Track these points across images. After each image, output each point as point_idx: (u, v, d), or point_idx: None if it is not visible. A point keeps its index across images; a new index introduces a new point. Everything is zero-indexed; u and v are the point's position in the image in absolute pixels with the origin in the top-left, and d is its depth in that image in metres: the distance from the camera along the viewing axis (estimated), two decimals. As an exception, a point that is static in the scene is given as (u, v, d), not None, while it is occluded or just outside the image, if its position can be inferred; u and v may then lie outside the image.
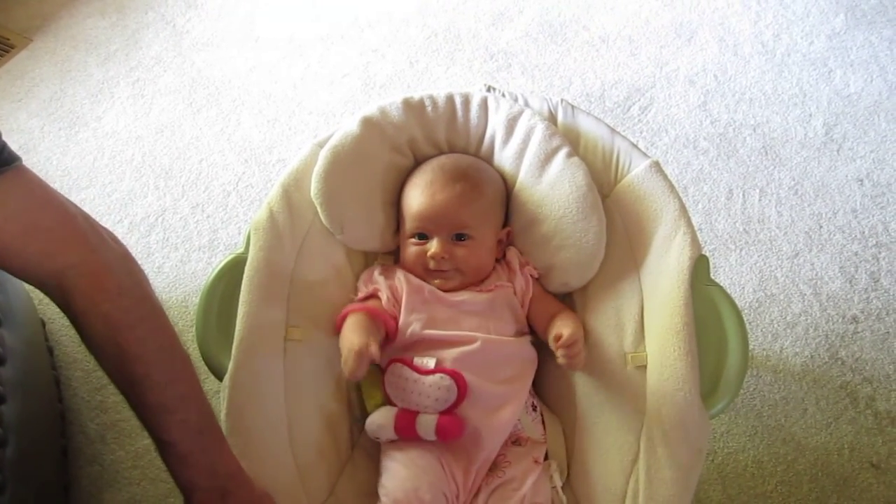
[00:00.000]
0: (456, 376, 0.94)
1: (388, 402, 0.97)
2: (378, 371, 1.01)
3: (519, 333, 1.04)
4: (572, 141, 1.07)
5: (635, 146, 1.06)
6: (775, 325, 1.44)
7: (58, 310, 0.77)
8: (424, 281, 1.04)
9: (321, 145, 1.07)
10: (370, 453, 1.00)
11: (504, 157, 1.09)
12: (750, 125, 1.76)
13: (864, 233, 1.56)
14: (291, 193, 1.04)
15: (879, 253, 1.53)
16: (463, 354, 0.96)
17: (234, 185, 1.70)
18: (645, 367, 0.94)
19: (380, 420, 0.95)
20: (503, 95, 1.12)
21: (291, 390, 0.95)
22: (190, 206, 1.66)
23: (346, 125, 1.08)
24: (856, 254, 1.53)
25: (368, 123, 1.07)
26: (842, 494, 1.24)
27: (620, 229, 1.04)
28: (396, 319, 0.99)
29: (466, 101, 1.10)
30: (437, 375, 0.94)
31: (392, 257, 1.13)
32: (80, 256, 0.76)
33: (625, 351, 0.97)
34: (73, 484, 1.27)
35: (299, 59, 1.96)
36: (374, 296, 1.03)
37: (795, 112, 1.79)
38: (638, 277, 1.00)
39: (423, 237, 1.04)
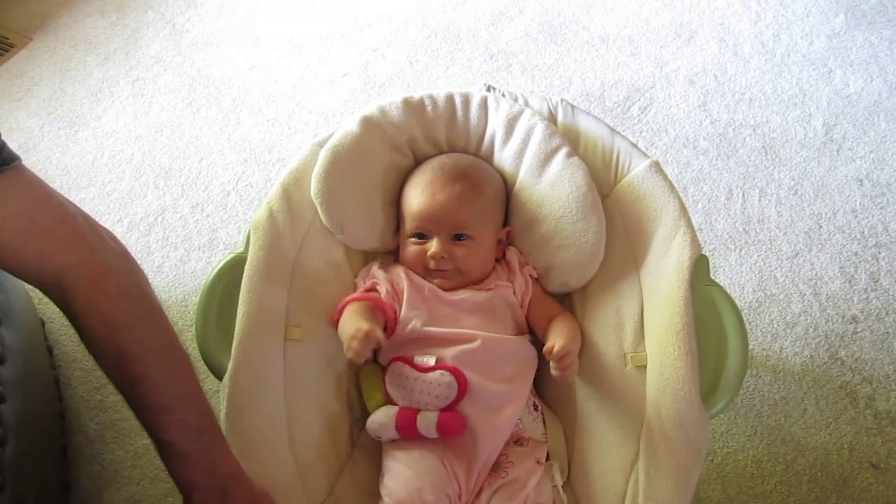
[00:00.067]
0: (456, 373, 0.94)
1: (388, 401, 0.97)
2: (378, 371, 1.01)
3: (518, 333, 1.04)
4: (572, 141, 1.07)
5: (635, 146, 1.06)
6: (775, 325, 1.44)
7: (57, 309, 0.77)
8: (424, 280, 1.04)
9: (321, 145, 1.07)
10: (370, 453, 1.00)
11: (504, 157, 1.09)
12: (750, 125, 1.76)
13: (863, 233, 1.56)
14: (291, 193, 1.03)
15: (879, 253, 1.53)
16: (463, 352, 0.96)
17: (234, 184, 1.69)
18: (645, 367, 0.94)
19: (381, 419, 0.95)
20: (503, 95, 1.12)
21: (291, 390, 0.94)
22: (189, 206, 1.66)
23: (346, 125, 1.08)
24: (855, 254, 1.53)
25: (368, 123, 1.07)
26: (841, 494, 1.24)
27: (620, 229, 1.03)
28: (395, 312, 0.99)
29: (466, 100, 1.10)
30: (438, 372, 0.94)
31: (392, 257, 1.13)
32: (79, 256, 0.76)
33: (624, 351, 0.97)
34: (72, 483, 1.27)
35: (299, 59, 1.96)
36: (372, 289, 1.03)
37: (795, 112, 1.79)
38: (638, 277, 1.00)
39: (423, 237, 1.04)
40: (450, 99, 1.10)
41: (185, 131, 1.81)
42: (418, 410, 0.93)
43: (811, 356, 1.40)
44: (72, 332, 0.82)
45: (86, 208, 0.81)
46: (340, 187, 1.05)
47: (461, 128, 1.11)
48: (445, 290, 1.03)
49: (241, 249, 0.98)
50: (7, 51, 1.99)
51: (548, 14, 2.04)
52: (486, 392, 0.95)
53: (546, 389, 1.06)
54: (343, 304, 0.99)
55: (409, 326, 0.99)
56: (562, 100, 1.12)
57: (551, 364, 0.93)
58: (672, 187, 1.01)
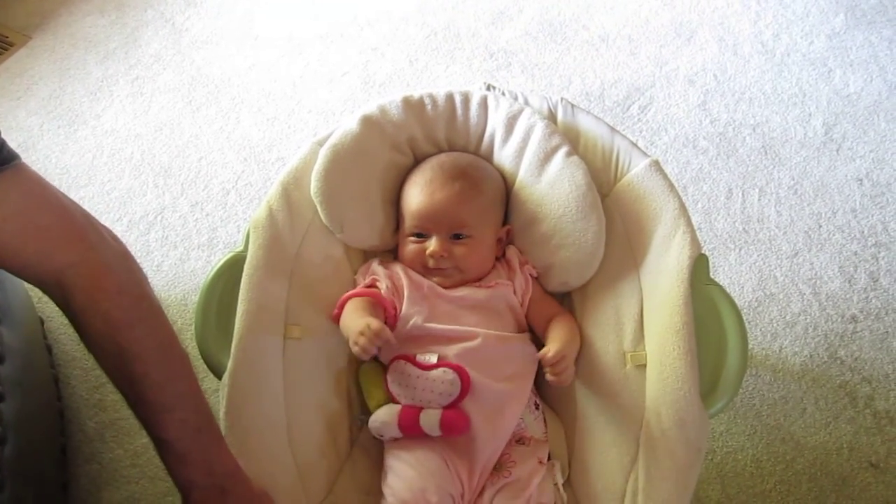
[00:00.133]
0: (459, 370, 0.94)
1: (390, 399, 0.97)
2: (379, 369, 1.01)
3: (518, 331, 1.04)
4: (572, 140, 1.07)
5: (635, 145, 1.06)
6: (774, 325, 1.44)
7: (56, 308, 0.77)
8: (423, 278, 1.04)
9: (321, 144, 1.07)
10: (370, 452, 1.00)
11: (504, 156, 1.09)
12: (749, 125, 1.76)
13: (863, 232, 1.56)
14: (291, 192, 1.03)
15: (879, 252, 1.53)
16: (464, 350, 0.96)
17: (234, 183, 1.69)
18: (644, 366, 0.94)
19: (383, 417, 0.95)
20: (503, 94, 1.12)
21: (290, 389, 0.94)
22: (189, 205, 1.66)
23: (346, 124, 1.08)
24: (855, 253, 1.53)
25: (368, 122, 1.07)
26: (840, 494, 1.24)
27: (620, 228, 1.03)
28: (395, 308, 0.99)
29: (466, 99, 1.10)
30: (441, 369, 0.94)
31: (391, 255, 1.13)
32: (79, 255, 0.76)
33: (624, 350, 0.97)
34: (71, 482, 1.27)
35: (298, 58, 1.96)
36: (372, 286, 1.03)
37: (795, 112, 1.79)
38: (637, 276, 1.00)
39: (422, 235, 1.04)
40: (449, 98, 1.10)
41: (184, 130, 1.81)
42: (421, 408, 0.93)
43: (811, 356, 1.40)
44: (71, 330, 0.82)
45: (85, 207, 0.81)
46: (340, 186, 1.05)
47: (461, 127, 1.11)
48: (445, 287, 1.03)
49: (240, 248, 0.98)
50: (6, 49, 1.99)
51: (548, 13, 2.04)
52: (488, 391, 0.95)
53: (546, 388, 1.05)
54: (344, 298, 0.99)
55: (411, 323, 0.99)
56: (562, 99, 1.12)
57: (545, 370, 0.93)
58: (672, 186, 1.01)
